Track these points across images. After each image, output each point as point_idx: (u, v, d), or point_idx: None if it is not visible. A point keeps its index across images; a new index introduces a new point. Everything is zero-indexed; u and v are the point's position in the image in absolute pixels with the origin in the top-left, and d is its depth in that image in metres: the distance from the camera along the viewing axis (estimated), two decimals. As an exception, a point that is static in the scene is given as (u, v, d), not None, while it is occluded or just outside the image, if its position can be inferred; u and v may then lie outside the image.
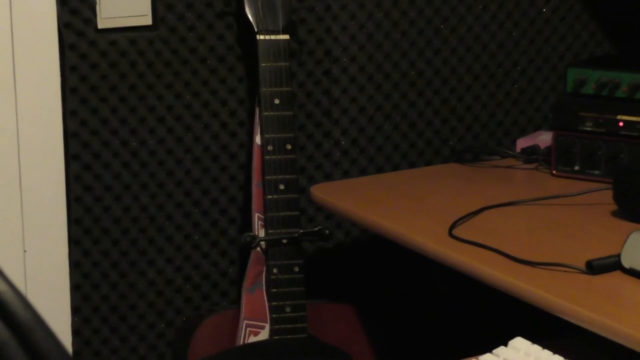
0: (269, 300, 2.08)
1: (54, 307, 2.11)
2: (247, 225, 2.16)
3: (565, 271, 1.60)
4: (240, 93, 2.19)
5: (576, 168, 2.08)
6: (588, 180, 2.03)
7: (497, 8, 2.35)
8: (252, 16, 2.05)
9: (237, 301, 2.15)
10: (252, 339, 2.08)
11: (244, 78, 2.18)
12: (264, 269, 2.09)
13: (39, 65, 2.05)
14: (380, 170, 2.32)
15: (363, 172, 2.30)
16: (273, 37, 2.05)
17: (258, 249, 2.09)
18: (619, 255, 1.59)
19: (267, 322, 2.08)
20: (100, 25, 2.07)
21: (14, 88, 2.03)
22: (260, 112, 2.06)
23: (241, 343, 2.08)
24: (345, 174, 2.29)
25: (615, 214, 1.84)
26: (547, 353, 1.54)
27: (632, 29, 2.46)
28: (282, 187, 2.06)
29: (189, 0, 2.12)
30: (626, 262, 1.59)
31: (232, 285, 2.24)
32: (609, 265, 1.60)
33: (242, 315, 2.09)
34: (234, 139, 2.20)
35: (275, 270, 2.07)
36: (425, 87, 2.33)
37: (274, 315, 2.07)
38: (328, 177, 2.27)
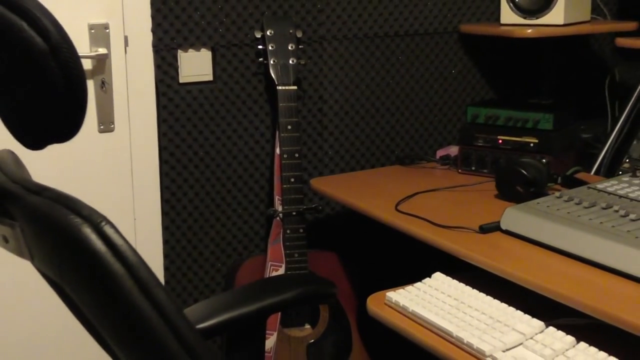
0: (284, 250, 2.08)
1: (152, 253, 2.12)
2: (271, 203, 2.16)
3: (466, 232, 1.60)
4: (267, 122, 2.19)
5: (473, 168, 2.09)
6: (480, 175, 2.04)
7: (424, 69, 2.36)
8: (274, 75, 2.05)
9: (265, 250, 2.15)
10: (274, 274, 2.09)
11: (270, 113, 2.18)
12: (281, 231, 2.09)
13: (144, 105, 2.05)
14: (353, 169, 2.32)
15: (342, 171, 2.31)
16: (287, 87, 2.05)
17: (278, 218, 2.09)
18: (499, 222, 1.60)
19: (283, 264, 2.08)
20: (181, 81, 2.07)
21: (128, 119, 2.03)
22: (279, 133, 2.06)
23: (267, 276, 2.08)
24: (332, 172, 2.29)
25: (497, 196, 1.85)
26: (455, 282, 1.55)
27: (506, 83, 2.47)
28: (292, 180, 2.06)
29: (235, 65, 2.12)
30: (503, 226, 1.60)
31: (262, 240, 2.24)
32: (493, 227, 1.61)
33: (268, 259, 2.10)
34: (263, 150, 2.20)
35: (288, 231, 2.07)
36: (381, 119, 2.33)
37: (287, 259, 2.08)
38: (321, 174, 2.28)
